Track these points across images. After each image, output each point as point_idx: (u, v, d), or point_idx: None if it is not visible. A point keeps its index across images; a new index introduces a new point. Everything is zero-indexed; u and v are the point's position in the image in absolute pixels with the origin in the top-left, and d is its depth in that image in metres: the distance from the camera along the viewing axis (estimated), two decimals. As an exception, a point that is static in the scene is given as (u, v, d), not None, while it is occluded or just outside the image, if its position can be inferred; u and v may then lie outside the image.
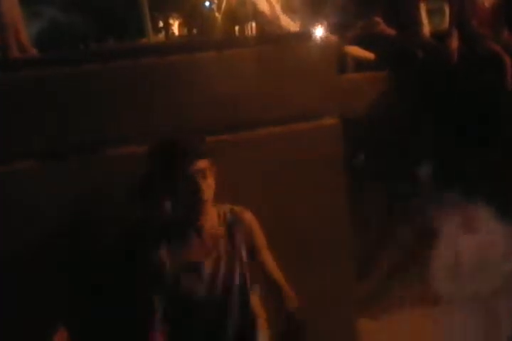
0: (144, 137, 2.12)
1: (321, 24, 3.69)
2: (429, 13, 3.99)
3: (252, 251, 2.11)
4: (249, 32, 4.45)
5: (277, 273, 2.11)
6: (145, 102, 2.28)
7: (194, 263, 2.03)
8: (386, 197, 3.11)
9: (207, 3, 5.24)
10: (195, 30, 5.10)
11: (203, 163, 2.00)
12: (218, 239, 2.07)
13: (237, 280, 2.07)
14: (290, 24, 3.81)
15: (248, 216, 2.14)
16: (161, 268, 2.00)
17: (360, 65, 3.52)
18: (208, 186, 2.00)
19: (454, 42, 3.82)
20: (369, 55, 3.65)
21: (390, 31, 3.84)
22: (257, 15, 3.96)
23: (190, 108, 2.34)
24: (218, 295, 2.04)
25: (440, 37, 3.93)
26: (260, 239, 2.13)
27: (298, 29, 3.85)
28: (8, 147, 2.10)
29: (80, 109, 2.19)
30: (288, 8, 3.87)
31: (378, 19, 3.80)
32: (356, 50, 3.63)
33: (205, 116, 2.35)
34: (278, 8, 3.84)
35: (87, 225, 2.14)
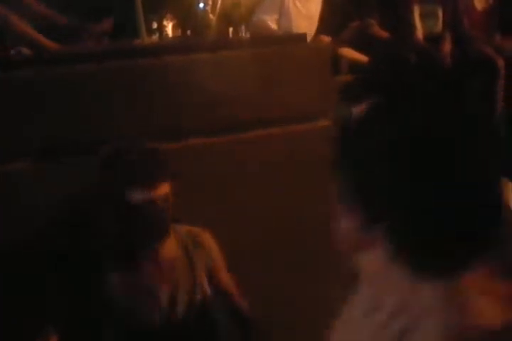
0: (141, 137, 2.11)
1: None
2: (423, 16, 4.02)
3: (211, 275, 1.92)
4: (243, 33, 4.46)
5: (238, 301, 1.95)
6: (140, 103, 2.29)
7: (149, 287, 1.82)
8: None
9: (201, 5, 5.25)
10: (189, 32, 5.10)
11: (161, 190, 1.71)
12: (176, 262, 1.86)
13: (198, 307, 1.86)
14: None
15: (207, 238, 1.93)
16: (112, 292, 1.78)
17: (354, 66, 3.54)
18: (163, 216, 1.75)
19: (447, 46, 3.85)
20: (362, 57, 3.67)
21: (383, 34, 3.86)
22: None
23: (185, 109, 2.34)
24: (177, 323, 1.83)
25: (433, 40, 3.95)
26: (219, 261, 1.94)
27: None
28: (5, 147, 2.10)
29: (75, 109, 2.19)
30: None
31: (372, 21, 3.83)
32: (350, 52, 3.66)
33: (199, 118, 2.35)
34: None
35: (85, 226, 2.13)
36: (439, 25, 4.07)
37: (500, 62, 3.76)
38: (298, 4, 3.78)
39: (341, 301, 0.92)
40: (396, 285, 0.76)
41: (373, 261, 0.77)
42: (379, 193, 0.75)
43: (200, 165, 2.28)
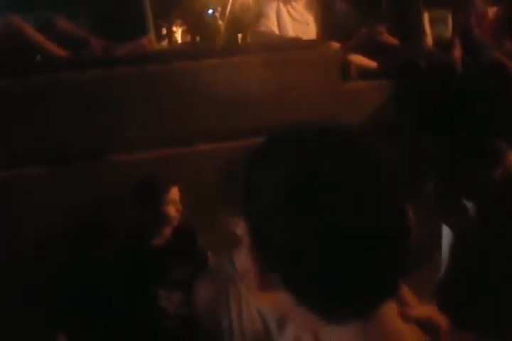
0: (150, 143, 2.12)
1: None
2: (433, 22, 4.01)
3: None
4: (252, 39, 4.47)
5: None
6: (151, 108, 2.29)
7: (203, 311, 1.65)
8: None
9: (210, 11, 5.27)
10: (198, 38, 5.12)
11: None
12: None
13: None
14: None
15: None
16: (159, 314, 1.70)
17: (363, 73, 3.53)
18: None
19: (457, 52, 3.83)
20: (372, 63, 3.66)
21: (393, 40, 3.85)
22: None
23: (194, 114, 2.34)
24: None
25: (443, 46, 3.94)
26: None
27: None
28: (18, 152, 2.10)
29: (86, 114, 2.19)
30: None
31: (381, 28, 3.82)
32: (359, 59, 3.65)
33: (208, 123, 2.35)
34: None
35: (97, 230, 2.13)
36: (449, 31, 4.06)
37: (512, 67, 3.73)
38: (291, 11, 3.80)
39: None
40: (309, 324, 0.71)
41: (282, 303, 0.70)
42: (271, 240, 0.67)
43: (210, 170, 2.28)
